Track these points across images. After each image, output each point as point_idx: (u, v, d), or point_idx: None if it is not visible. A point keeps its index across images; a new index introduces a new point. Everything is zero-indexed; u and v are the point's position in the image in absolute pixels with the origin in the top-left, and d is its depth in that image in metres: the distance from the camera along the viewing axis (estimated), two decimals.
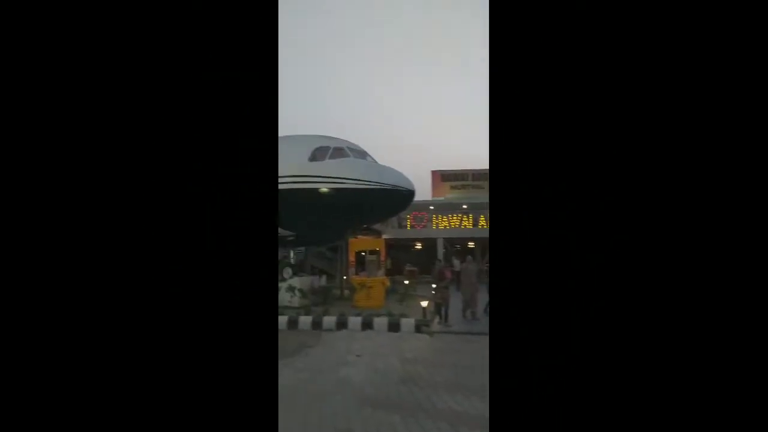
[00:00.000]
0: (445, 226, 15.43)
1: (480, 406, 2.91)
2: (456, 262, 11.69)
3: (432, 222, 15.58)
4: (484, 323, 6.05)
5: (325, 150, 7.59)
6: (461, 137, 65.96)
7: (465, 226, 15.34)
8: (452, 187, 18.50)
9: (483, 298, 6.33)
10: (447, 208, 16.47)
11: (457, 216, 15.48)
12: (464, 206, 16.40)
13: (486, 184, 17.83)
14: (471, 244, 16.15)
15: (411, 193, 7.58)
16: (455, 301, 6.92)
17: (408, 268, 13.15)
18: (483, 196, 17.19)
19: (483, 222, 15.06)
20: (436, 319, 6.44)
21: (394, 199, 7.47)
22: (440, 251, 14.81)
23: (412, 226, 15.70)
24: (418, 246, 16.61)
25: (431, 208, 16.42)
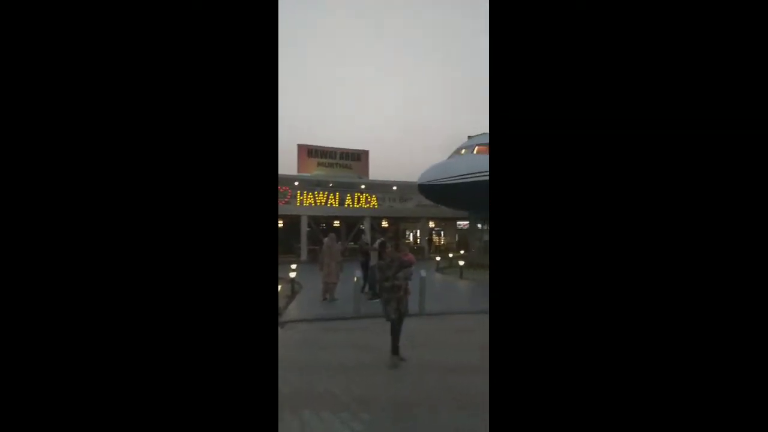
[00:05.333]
0: (311, 204, 14.95)
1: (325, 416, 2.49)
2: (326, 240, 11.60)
3: (296, 198, 14.84)
4: (343, 306, 5.78)
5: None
6: (333, 114, 67.09)
7: (331, 204, 15.10)
8: (319, 164, 17.78)
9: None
10: (313, 185, 16.00)
11: (323, 193, 15.13)
12: (331, 184, 16.24)
13: (353, 164, 18.24)
14: (336, 223, 16.22)
15: None
16: (315, 284, 6.77)
17: None
18: (350, 176, 17.49)
19: (349, 201, 15.21)
20: (292, 304, 6.07)
21: None
22: (304, 229, 14.62)
23: None
24: (280, 223, 15.55)
25: (296, 183, 15.70)
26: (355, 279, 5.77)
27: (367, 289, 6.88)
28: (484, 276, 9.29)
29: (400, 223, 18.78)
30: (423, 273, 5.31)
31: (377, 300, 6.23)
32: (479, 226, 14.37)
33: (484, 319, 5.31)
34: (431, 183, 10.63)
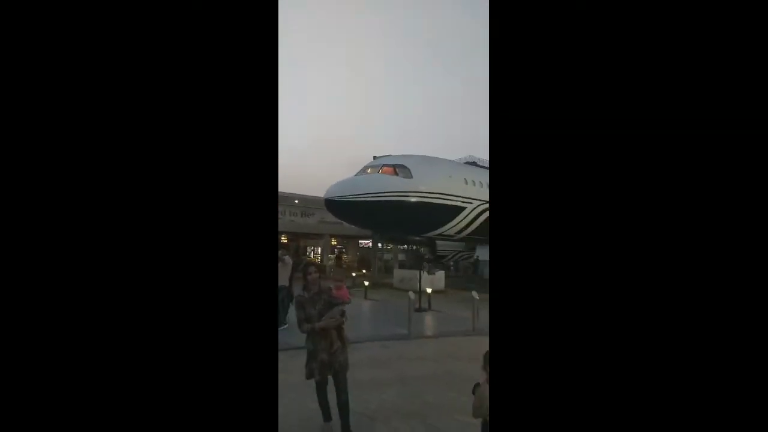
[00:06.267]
0: None
1: None
2: None
3: None
4: None
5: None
6: None
7: None
8: None
9: None
10: None
11: None
12: None
13: None
14: None
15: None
16: None
17: None
18: None
19: None
20: None
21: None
22: None
23: None
24: None
25: None
26: None
27: None
28: (387, 295, 9.34)
29: (301, 240, 17.84)
30: None
31: (280, 327, 5.47)
32: (380, 245, 14.49)
33: (395, 347, 5.04)
34: (338, 199, 10.32)
